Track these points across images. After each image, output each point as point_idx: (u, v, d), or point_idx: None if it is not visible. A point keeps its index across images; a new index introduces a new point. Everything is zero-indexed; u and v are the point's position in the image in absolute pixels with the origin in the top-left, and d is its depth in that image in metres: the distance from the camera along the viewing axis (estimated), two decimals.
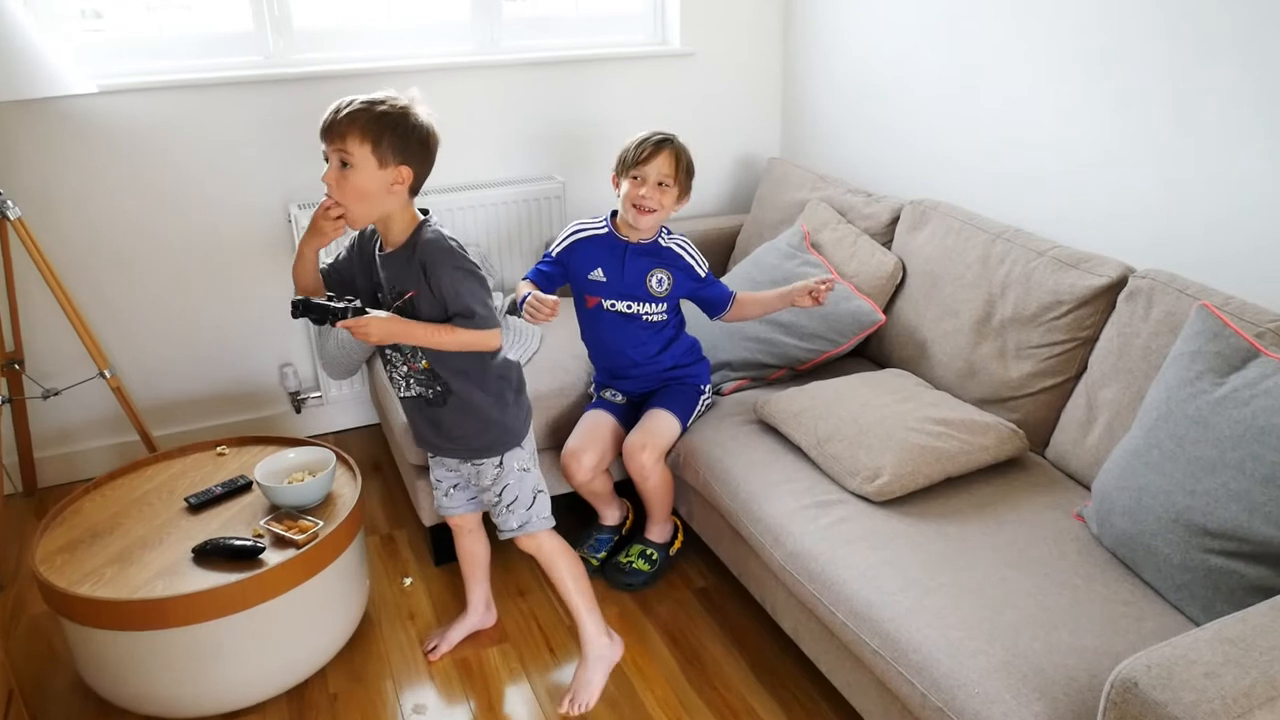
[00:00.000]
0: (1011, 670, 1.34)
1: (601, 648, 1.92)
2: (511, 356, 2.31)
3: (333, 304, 1.57)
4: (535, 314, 1.89)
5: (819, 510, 1.76)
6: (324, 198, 1.59)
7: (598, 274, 2.09)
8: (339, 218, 1.59)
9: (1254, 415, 1.42)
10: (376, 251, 1.70)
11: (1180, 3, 1.83)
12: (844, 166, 2.93)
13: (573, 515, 2.41)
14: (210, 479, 2.05)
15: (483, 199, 2.83)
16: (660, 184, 2.00)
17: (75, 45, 2.46)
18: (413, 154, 1.58)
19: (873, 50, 2.73)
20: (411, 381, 1.77)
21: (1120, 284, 1.86)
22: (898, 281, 2.34)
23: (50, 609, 1.77)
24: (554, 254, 2.12)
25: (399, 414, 2.18)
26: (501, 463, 1.81)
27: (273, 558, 1.79)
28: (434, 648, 2.04)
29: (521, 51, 2.89)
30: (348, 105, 1.55)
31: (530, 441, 1.87)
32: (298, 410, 2.90)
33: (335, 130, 1.54)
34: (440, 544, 2.31)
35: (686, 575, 2.27)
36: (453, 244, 1.64)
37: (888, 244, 2.43)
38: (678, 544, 2.29)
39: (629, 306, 2.10)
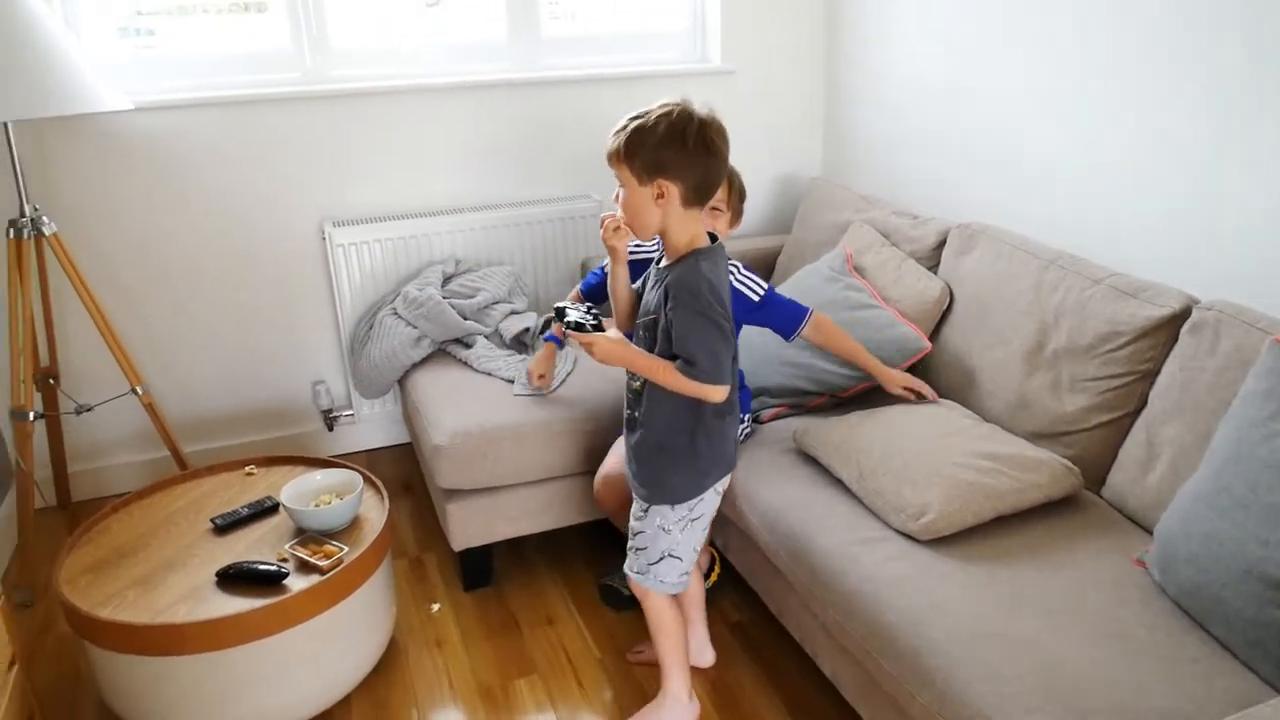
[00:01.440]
0: None
1: (680, 707, 1.83)
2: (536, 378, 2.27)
3: (571, 313, 1.60)
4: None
5: (862, 548, 1.68)
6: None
7: None
8: (617, 229, 1.62)
9: None
10: (657, 261, 1.69)
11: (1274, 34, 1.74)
12: (888, 188, 2.85)
13: (608, 540, 2.35)
14: (238, 499, 2.02)
15: (518, 217, 2.79)
16: (713, 209, 1.96)
17: (116, 62, 2.47)
18: (668, 166, 1.52)
19: (922, 71, 2.65)
20: (626, 390, 1.74)
21: (1183, 315, 1.77)
22: (944, 307, 2.25)
23: (72, 631, 1.75)
24: (602, 268, 2.08)
25: (430, 434, 2.15)
26: (648, 510, 1.72)
27: (297, 583, 1.75)
28: (640, 651, 2.04)
29: (560, 69, 2.85)
30: (615, 126, 1.56)
31: (686, 507, 1.70)
32: (330, 428, 2.88)
33: (608, 155, 1.56)
34: (470, 569, 2.26)
35: (722, 609, 2.20)
36: (704, 285, 1.54)
37: (934, 268, 2.35)
38: (714, 577, 2.22)
39: None
